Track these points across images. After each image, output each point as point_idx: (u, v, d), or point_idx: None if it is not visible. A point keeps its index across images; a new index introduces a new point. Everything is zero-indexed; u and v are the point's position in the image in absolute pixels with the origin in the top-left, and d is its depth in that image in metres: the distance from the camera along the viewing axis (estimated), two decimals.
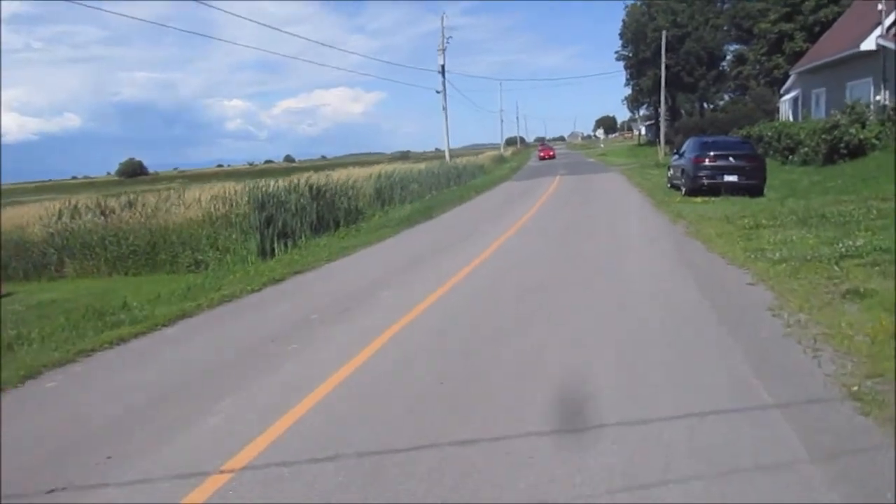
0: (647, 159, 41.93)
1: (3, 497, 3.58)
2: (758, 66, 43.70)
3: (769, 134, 25.50)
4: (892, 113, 18.82)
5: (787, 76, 32.55)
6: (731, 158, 17.08)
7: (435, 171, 30.64)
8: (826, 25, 32.66)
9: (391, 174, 25.08)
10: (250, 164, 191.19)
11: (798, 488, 3.04)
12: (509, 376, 4.89)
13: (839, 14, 31.36)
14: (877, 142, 18.41)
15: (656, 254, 9.67)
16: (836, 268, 7.16)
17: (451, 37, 43.66)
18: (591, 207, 17.28)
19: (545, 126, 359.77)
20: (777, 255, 8.14)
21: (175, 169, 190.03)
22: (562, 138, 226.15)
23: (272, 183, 17.87)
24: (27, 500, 3.57)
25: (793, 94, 30.95)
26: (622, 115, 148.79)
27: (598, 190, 23.70)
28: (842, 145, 18.94)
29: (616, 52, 65.47)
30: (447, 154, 41.15)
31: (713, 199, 16.02)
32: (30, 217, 19.70)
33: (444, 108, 40.89)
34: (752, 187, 16.49)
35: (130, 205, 19.47)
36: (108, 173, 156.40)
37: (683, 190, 18.01)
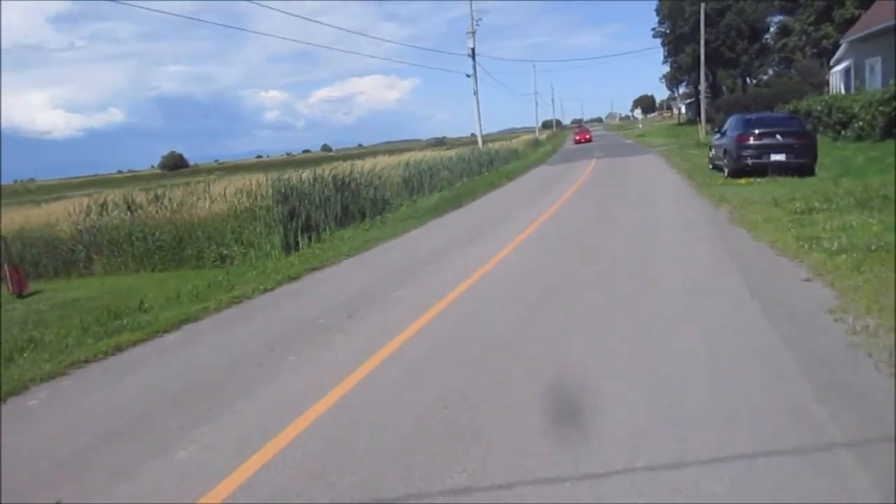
0: (687, 139, 40.39)
1: None
2: (804, 37, 41.71)
3: (818, 108, 24.06)
4: None
5: (836, 46, 30.82)
6: (777, 136, 15.98)
7: (466, 158, 29.88)
8: None
9: (420, 162, 24.42)
10: (288, 155, 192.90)
11: None
12: (521, 405, 4.24)
13: None
14: None
15: (696, 244, 8.84)
16: None
17: (480, 19, 42.76)
18: (626, 193, 16.38)
19: (582, 108, 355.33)
20: (835, 244, 7.27)
21: (215, 161, 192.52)
22: (599, 120, 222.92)
23: (296, 175, 17.40)
24: None
25: (844, 64, 29.26)
26: (660, 93, 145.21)
27: (635, 173, 22.69)
28: None
29: (653, 29, 63.49)
30: (479, 139, 40.30)
31: (759, 180, 15.00)
32: (59, 214, 19.66)
33: (475, 93, 39.98)
34: (802, 166, 15.39)
35: (158, 199, 19.25)
36: (152, 166, 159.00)
37: (726, 171, 16.97)
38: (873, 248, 6.85)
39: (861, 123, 19.68)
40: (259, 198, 17.27)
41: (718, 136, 19.08)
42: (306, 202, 15.93)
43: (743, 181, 15.18)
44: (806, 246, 7.47)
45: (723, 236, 9.11)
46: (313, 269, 10.56)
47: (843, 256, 6.69)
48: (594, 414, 3.88)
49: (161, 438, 4.22)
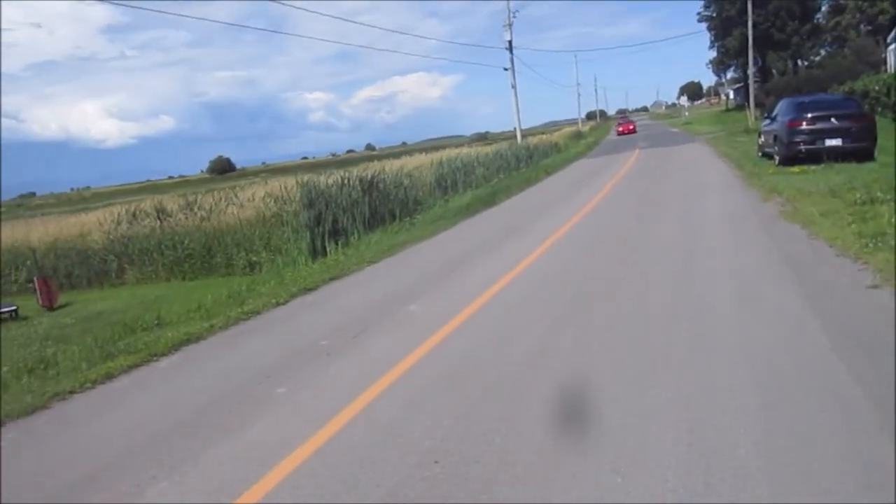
0: (736, 126, 38.67)
1: None
2: (858, 15, 39.64)
3: (876, 88, 22.54)
4: None
5: (894, 22, 28.95)
6: (832, 119, 14.78)
7: (502, 154, 29.05)
8: None
9: (454, 160, 23.76)
10: (333, 155, 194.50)
11: None
12: (533, 459, 3.56)
13: None
14: None
15: (743, 245, 7.95)
16: None
17: (517, 11, 41.66)
18: (667, 186, 15.39)
19: (626, 97, 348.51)
20: None
21: (263, 163, 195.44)
22: (645, 109, 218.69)
23: (323, 177, 16.94)
24: None
25: None
26: (707, 79, 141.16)
27: (680, 163, 21.55)
28: None
29: (698, 14, 61.32)
30: (518, 134, 39.37)
31: (813, 167, 13.87)
32: (91, 224, 19.68)
33: (513, 86, 39.04)
34: (860, 151, 14.20)
35: (189, 206, 19.08)
36: (201, 171, 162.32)
37: (777, 159, 15.84)
38: None
39: None
40: (286, 203, 16.92)
41: (768, 121, 17.89)
42: (333, 206, 15.43)
43: (796, 169, 14.07)
44: (870, 244, 6.55)
45: (773, 234, 8.19)
46: (332, 279, 10.02)
47: None
48: (620, 460, 3.18)
49: (113, 496, 3.68)
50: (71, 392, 5.86)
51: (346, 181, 16.28)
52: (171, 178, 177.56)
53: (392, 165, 21.27)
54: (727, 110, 71.15)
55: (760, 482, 2.92)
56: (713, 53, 64.88)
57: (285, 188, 17.72)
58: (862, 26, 39.89)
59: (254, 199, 18.00)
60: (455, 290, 7.77)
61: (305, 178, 17.85)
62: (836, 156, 14.20)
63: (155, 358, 6.66)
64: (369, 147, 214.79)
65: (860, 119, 14.80)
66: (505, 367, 4.89)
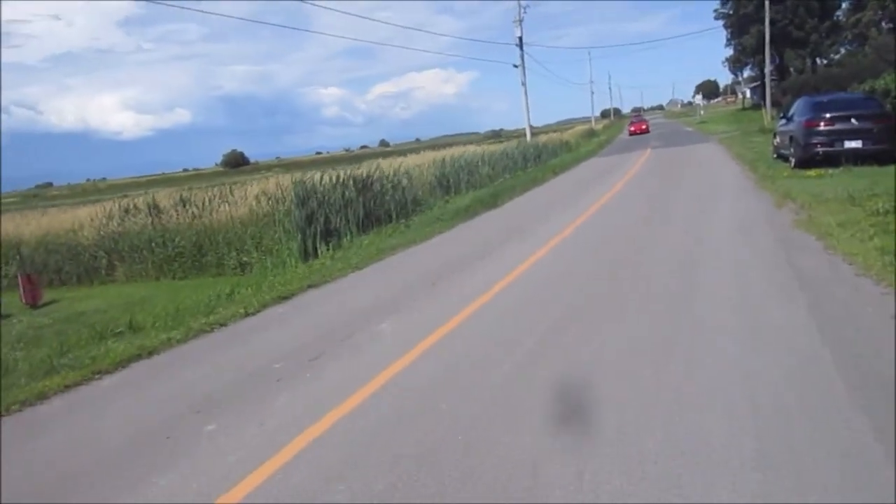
0: (751, 125, 37.63)
1: None
2: (880, 12, 38.38)
3: None
4: None
5: None
6: (852, 120, 13.96)
7: (509, 153, 28.27)
8: None
9: (457, 159, 23.04)
10: (347, 150, 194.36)
11: None
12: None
13: None
14: None
15: (752, 259, 7.20)
16: None
17: (528, 6, 40.64)
18: (675, 191, 14.58)
19: (641, 95, 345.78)
20: None
21: (277, 158, 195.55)
22: (660, 107, 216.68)
23: (317, 176, 16.32)
24: None
25: None
26: (724, 78, 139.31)
27: (690, 165, 20.72)
28: None
29: (715, 11, 60.04)
30: (527, 131, 38.59)
31: (831, 171, 13.07)
32: (84, 219, 19.15)
33: (523, 83, 38.27)
34: (882, 153, 13.36)
35: (183, 203, 18.51)
36: (216, 164, 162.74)
37: (792, 161, 15.02)
38: None
39: None
40: (279, 202, 16.32)
41: (784, 121, 17.04)
42: (325, 206, 14.80)
43: (812, 173, 13.27)
44: (894, 262, 5.81)
45: (785, 247, 7.44)
46: (311, 286, 9.40)
47: None
48: None
49: None
50: None
51: (339, 180, 15.64)
52: (185, 170, 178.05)
53: (392, 164, 20.57)
54: (743, 109, 69.83)
55: None
56: (730, 51, 63.63)
57: (279, 186, 17.13)
58: (883, 23, 38.71)
59: (246, 197, 17.38)
60: (433, 307, 7.11)
61: (298, 176, 17.26)
62: (856, 158, 13.40)
63: (97, 376, 6.07)
64: (383, 143, 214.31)
65: (882, 119, 13.95)
66: (479, 392, 4.23)
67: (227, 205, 17.46)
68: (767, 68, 42.11)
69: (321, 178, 16.02)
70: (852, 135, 13.78)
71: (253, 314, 8.06)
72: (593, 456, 3.33)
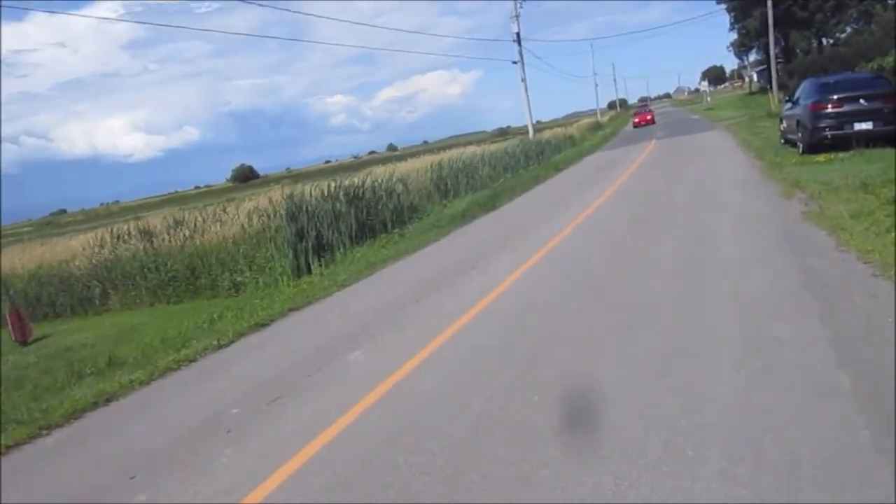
0: (758, 109, 36.72)
1: None
2: None
3: None
4: None
5: None
6: (861, 100, 13.23)
7: (511, 151, 27.66)
8: None
9: (455, 161, 22.49)
10: (355, 157, 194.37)
11: None
12: None
13: None
14: None
15: (757, 259, 6.58)
16: None
17: (522, 1, 39.92)
18: (679, 184, 13.89)
19: (647, 85, 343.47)
20: None
21: (286, 169, 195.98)
22: (667, 95, 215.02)
23: (307, 189, 15.84)
24: None
25: None
26: (730, 63, 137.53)
27: (695, 155, 20.00)
28: None
29: None
30: (530, 128, 37.98)
31: (841, 155, 12.38)
32: (76, 248, 18.79)
33: (523, 79, 37.66)
34: (894, 135, 12.65)
35: (177, 225, 18.11)
36: (226, 179, 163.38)
37: (800, 147, 14.32)
38: None
39: None
40: (270, 217, 15.86)
41: (790, 105, 16.33)
42: (315, 220, 14.31)
43: (822, 158, 12.59)
44: None
45: (793, 244, 6.82)
46: (292, 309, 8.91)
47: None
48: None
49: None
50: None
51: (329, 192, 15.16)
52: (196, 188, 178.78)
53: (388, 170, 20.07)
54: (750, 93, 68.68)
55: None
56: (734, 36, 62.56)
57: (272, 202, 16.69)
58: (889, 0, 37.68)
59: (238, 215, 16.95)
60: (413, 330, 6.56)
61: (298, 189, 16.81)
62: (867, 141, 12.71)
63: (45, 432, 5.58)
64: (391, 147, 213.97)
65: (892, 99, 13.20)
66: (448, 438, 3.68)
67: (219, 224, 17.04)
68: (772, 51, 41.25)
69: (311, 190, 15.56)
70: (862, 116, 13.07)
71: (226, 346, 7.58)
72: None
